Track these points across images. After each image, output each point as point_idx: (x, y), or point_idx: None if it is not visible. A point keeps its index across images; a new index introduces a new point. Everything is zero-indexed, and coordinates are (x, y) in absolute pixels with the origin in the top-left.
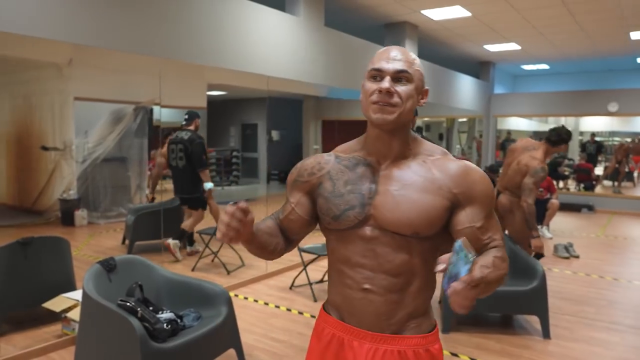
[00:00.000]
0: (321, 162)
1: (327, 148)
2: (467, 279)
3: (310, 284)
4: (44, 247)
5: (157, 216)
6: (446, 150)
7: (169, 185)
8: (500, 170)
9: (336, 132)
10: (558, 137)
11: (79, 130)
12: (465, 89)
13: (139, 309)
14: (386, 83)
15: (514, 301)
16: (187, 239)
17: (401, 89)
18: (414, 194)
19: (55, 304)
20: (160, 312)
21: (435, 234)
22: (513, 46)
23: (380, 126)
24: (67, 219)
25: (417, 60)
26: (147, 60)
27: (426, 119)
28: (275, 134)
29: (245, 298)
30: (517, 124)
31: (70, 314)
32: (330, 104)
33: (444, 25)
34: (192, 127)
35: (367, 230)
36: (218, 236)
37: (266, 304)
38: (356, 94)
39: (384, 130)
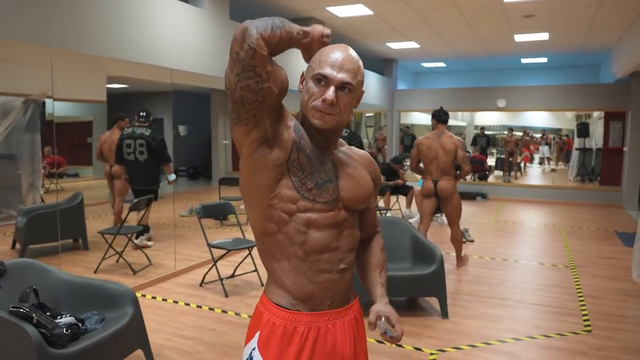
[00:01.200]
0: (297, 127)
1: None
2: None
3: (221, 279)
4: None
5: (52, 217)
6: (344, 142)
7: (66, 184)
8: (408, 164)
9: None
10: (446, 116)
11: None
12: (370, 85)
13: (34, 314)
14: (331, 94)
15: (416, 285)
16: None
17: (343, 98)
18: (362, 174)
19: None
20: (59, 317)
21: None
22: (413, 44)
23: (319, 126)
24: None
25: (361, 66)
26: (36, 49)
27: None
28: (182, 129)
29: (154, 298)
30: (419, 118)
31: None
32: None
33: (348, 23)
34: (147, 124)
35: (340, 212)
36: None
37: (175, 302)
38: None
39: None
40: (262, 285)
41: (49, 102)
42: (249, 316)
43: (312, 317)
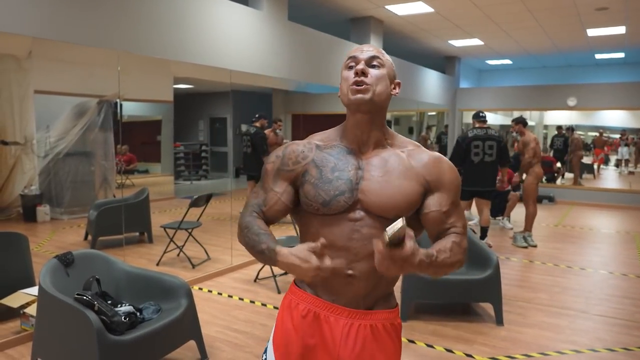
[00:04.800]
0: (304, 150)
1: None
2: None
3: (274, 276)
4: (1, 244)
5: (119, 211)
6: (418, 143)
7: (136, 180)
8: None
9: (305, 127)
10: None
11: (40, 124)
12: (431, 83)
13: (95, 302)
14: (361, 65)
15: (469, 290)
16: None
17: (374, 72)
18: (395, 180)
19: (12, 300)
20: (119, 306)
21: (409, 217)
22: (476, 42)
23: (359, 106)
24: (29, 215)
25: (387, 55)
26: (107, 53)
27: (395, 112)
28: (245, 128)
29: (210, 291)
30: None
31: (28, 310)
32: (299, 98)
33: (408, 21)
34: (258, 125)
35: (356, 213)
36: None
37: (230, 296)
38: (324, 89)
39: (362, 113)
40: None
41: (128, 104)
42: None
43: (314, 301)
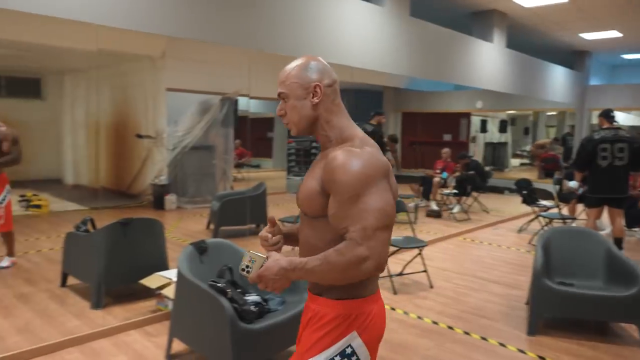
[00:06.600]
0: None
1: (406, 141)
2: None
3: (390, 276)
4: (141, 228)
5: (241, 203)
6: (353, 143)
7: (248, 174)
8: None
9: (418, 125)
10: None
11: (169, 120)
12: (556, 80)
13: (228, 290)
14: (278, 107)
15: (610, 308)
16: None
17: (286, 106)
18: (308, 180)
19: (151, 281)
20: (246, 295)
21: (324, 216)
22: (614, 34)
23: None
24: (158, 203)
25: (293, 71)
26: (236, 51)
27: (511, 112)
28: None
29: None
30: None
31: (164, 291)
32: (410, 95)
33: (535, 13)
34: (374, 122)
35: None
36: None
37: None
38: (439, 86)
39: (307, 134)
40: (432, 286)
41: (241, 100)
42: (418, 316)
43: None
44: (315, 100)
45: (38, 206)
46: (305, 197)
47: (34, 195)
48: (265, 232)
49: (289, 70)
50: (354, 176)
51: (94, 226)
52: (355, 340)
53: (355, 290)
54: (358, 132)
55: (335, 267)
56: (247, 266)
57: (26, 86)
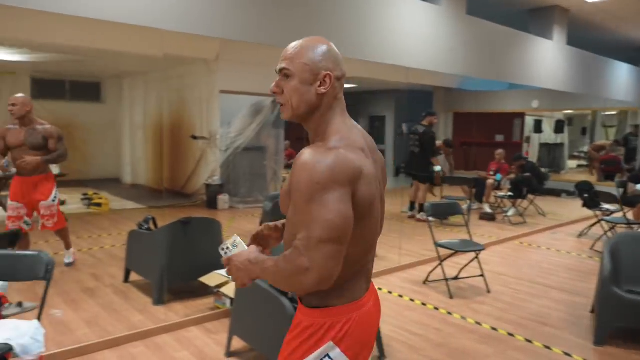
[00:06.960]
0: None
1: (458, 141)
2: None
3: (446, 279)
4: (201, 227)
5: None
6: (329, 141)
7: None
8: None
9: (470, 125)
10: None
11: (223, 121)
12: (620, 78)
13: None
14: (273, 83)
15: None
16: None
17: (286, 85)
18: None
19: (210, 280)
20: None
21: None
22: None
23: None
24: (212, 203)
25: (305, 52)
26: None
27: (569, 111)
28: (405, 127)
29: (379, 289)
30: None
31: (223, 290)
32: (461, 95)
33: (600, 8)
34: (425, 123)
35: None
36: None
37: (400, 296)
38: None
39: (297, 123)
40: (489, 291)
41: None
42: (476, 322)
43: None
44: (322, 90)
45: (99, 204)
46: (281, 195)
47: (95, 194)
48: (265, 229)
49: (299, 48)
50: (311, 178)
51: (155, 225)
52: (333, 351)
53: (330, 298)
54: (344, 129)
55: (281, 272)
56: (228, 247)
57: (87, 90)
